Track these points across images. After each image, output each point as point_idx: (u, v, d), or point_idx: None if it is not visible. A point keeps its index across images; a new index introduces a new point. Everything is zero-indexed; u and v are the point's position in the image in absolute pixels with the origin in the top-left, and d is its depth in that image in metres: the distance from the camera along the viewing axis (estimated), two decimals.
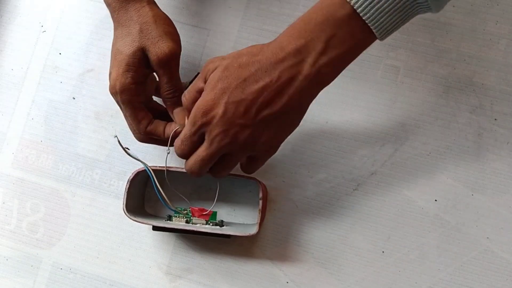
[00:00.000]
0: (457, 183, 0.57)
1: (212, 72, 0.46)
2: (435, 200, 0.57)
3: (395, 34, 0.58)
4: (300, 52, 0.43)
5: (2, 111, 0.63)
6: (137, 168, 0.55)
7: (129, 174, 0.55)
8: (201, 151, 0.46)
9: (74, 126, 0.61)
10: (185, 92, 0.49)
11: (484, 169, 0.57)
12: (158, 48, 0.49)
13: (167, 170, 0.54)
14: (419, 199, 0.57)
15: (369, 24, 0.42)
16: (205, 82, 0.46)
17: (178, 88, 0.52)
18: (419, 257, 0.56)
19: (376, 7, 0.41)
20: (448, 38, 0.58)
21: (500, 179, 0.56)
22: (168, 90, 0.51)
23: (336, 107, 0.59)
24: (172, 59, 0.50)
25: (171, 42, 0.50)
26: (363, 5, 0.41)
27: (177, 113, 0.52)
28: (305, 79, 0.43)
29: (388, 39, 0.58)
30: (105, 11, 0.59)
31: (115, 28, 0.52)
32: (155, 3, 0.53)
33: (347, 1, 0.41)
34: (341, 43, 0.42)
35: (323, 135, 0.58)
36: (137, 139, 0.54)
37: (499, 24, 0.58)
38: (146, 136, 0.53)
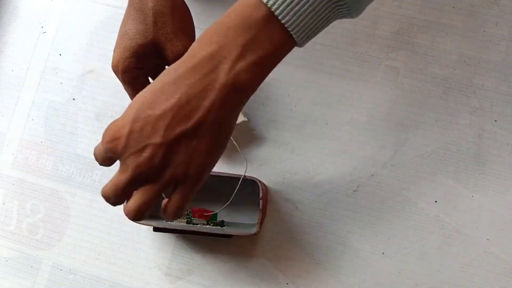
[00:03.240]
0: (457, 185, 0.57)
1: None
2: (435, 202, 0.57)
3: (395, 35, 0.58)
4: (213, 58, 0.37)
5: (2, 112, 0.63)
6: None
7: None
8: (116, 177, 0.41)
9: (74, 127, 0.61)
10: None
11: (484, 170, 0.57)
12: (173, 46, 0.48)
13: None
14: (419, 200, 0.57)
15: (287, 27, 0.37)
16: None
17: None
18: (419, 259, 0.56)
19: (295, 9, 0.36)
20: (448, 40, 0.58)
21: (500, 181, 0.56)
22: None
23: (336, 108, 0.59)
24: None
25: (186, 40, 0.48)
26: (281, 7, 0.36)
27: None
28: (222, 88, 0.37)
29: (388, 40, 0.58)
30: (105, 12, 0.59)
31: (128, 6, 0.49)
32: None
33: (263, 2, 0.37)
34: (259, 47, 0.37)
35: (323, 136, 0.58)
36: None
37: (499, 25, 0.58)
38: None
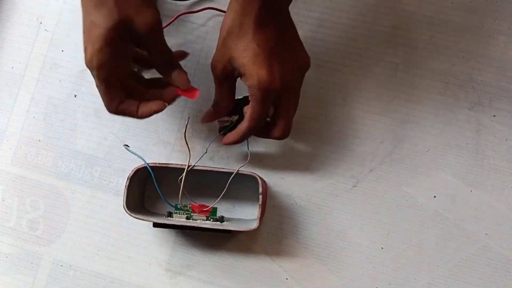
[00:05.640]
0: (456, 180, 0.57)
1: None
2: (434, 197, 0.57)
3: (394, 31, 0.58)
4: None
5: (1, 109, 0.63)
6: (137, 165, 0.55)
7: (129, 171, 0.55)
8: (292, 110, 0.52)
9: (73, 123, 0.61)
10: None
11: (483, 165, 0.57)
12: (142, 18, 0.46)
13: (166, 166, 0.54)
14: (418, 195, 0.57)
15: None
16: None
17: (169, 52, 0.51)
18: (418, 253, 0.57)
19: None
20: (447, 35, 0.58)
21: (499, 176, 0.57)
22: (163, 57, 0.50)
23: (335, 104, 0.59)
24: (158, 26, 0.48)
25: (152, 9, 0.48)
26: None
27: (176, 77, 0.51)
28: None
29: (388, 36, 0.58)
30: None
31: None
32: None
33: None
34: None
35: (322, 132, 0.59)
36: (107, 111, 0.51)
37: (498, 20, 0.58)
38: (117, 113, 0.51)
